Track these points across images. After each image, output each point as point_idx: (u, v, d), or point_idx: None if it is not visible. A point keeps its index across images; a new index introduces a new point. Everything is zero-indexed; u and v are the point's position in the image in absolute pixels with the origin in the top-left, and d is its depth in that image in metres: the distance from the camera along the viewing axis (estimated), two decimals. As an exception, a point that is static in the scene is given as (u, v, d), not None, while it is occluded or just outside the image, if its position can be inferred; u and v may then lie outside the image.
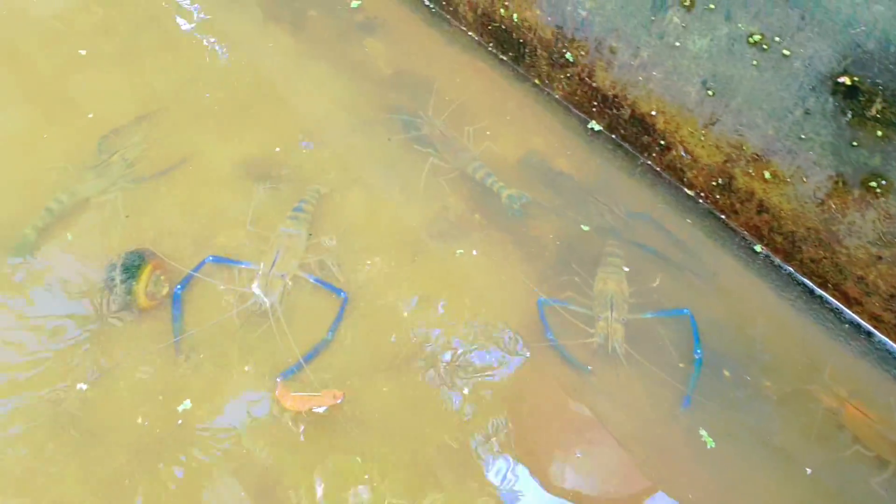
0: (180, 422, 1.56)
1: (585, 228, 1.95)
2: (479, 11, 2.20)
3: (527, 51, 2.15)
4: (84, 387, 1.60)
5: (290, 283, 1.77)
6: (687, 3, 1.61)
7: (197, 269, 1.77)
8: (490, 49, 2.28)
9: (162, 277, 1.79)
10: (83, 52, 2.27)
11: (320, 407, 1.58)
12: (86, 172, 1.96)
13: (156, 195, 1.95)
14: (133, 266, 1.77)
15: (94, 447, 1.51)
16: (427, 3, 2.41)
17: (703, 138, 1.80)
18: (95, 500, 1.46)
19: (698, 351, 1.70)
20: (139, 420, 1.55)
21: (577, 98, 2.10)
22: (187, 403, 1.58)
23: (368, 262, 1.86)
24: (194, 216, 1.92)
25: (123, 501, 1.45)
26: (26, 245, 1.81)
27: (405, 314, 1.77)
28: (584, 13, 1.86)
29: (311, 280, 1.81)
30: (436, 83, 2.26)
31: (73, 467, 1.49)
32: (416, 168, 2.05)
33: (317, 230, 1.90)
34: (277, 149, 2.07)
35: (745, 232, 1.87)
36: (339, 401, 1.57)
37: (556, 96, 2.17)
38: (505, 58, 2.26)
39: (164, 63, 2.28)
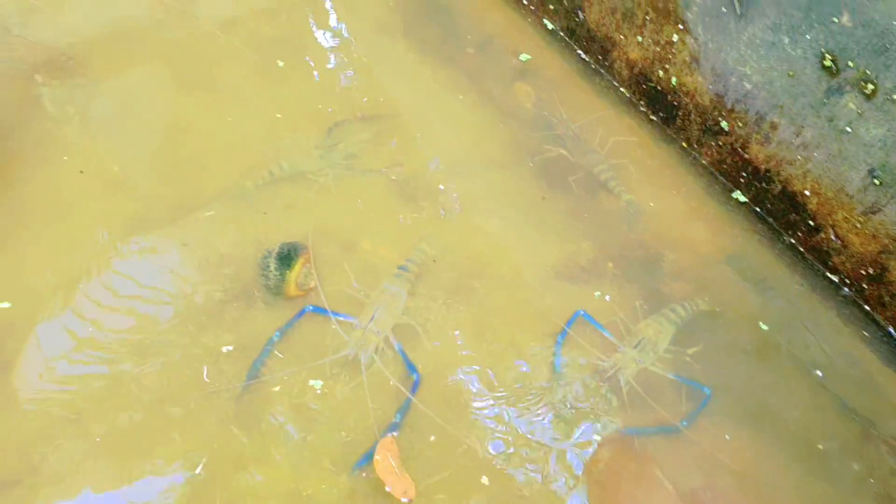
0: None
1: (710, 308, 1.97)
2: (636, 70, 2.28)
3: (679, 114, 2.20)
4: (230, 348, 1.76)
5: (381, 343, 1.78)
6: (868, 91, 1.63)
7: (297, 316, 1.82)
8: (641, 107, 2.35)
9: (312, 271, 1.94)
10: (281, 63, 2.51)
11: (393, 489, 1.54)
12: (312, 150, 2.21)
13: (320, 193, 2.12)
14: (288, 256, 1.92)
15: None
16: (583, 56, 2.51)
17: (859, 225, 1.78)
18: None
19: (685, 423, 1.71)
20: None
21: (724, 166, 2.12)
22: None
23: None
24: (345, 221, 2.07)
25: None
26: (245, 194, 2.09)
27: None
28: (748, 86, 1.90)
29: (396, 347, 1.80)
30: (581, 132, 2.35)
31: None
32: (545, 208, 2.13)
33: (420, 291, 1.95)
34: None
35: (892, 327, 1.82)
36: (405, 501, 1.53)
37: (703, 161, 2.21)
38: (654, 117, 2.32)
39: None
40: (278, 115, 2.29)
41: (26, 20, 2.60)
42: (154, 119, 2.27)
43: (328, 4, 2.74)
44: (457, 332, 1.84)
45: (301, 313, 1.83)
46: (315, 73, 2.48)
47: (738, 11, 1.84)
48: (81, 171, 2.11)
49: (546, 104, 2.43)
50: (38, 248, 1.93)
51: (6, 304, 1.76)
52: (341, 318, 1.83)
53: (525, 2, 2.69)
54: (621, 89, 2.40)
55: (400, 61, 2.55)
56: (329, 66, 2.51)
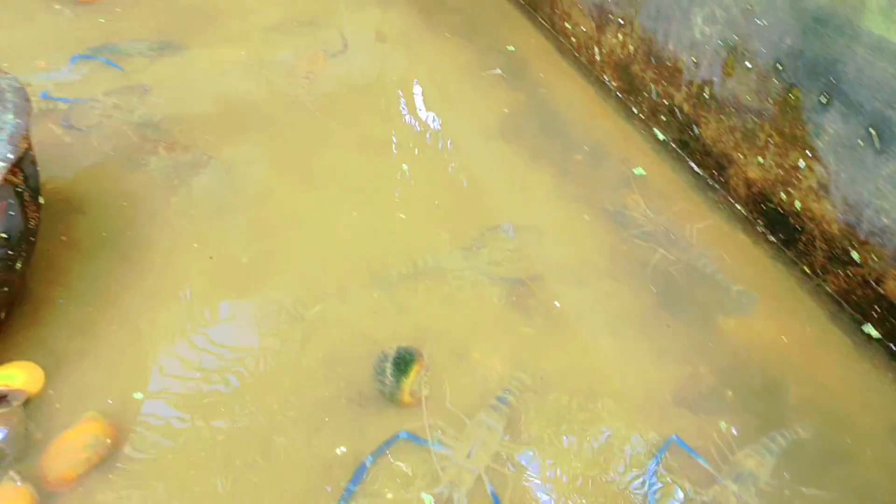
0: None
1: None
2: (755, 189, 2.26)
3: (802, 238, 2.15)
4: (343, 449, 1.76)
5: (474, 483, 1.71)
6: None
7: (390, 442, 1.79)
8: (758, 226, 2.31)
9: (424, 378, 1.95)
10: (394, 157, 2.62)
11: None
12: (457, 250, 2.28)
13: (428, 295, 2.16)
14: (405, 362, 1.94)
15: None
16: (696, 168, 2.51)
17: None
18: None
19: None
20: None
21: (853, 298, 2.04)
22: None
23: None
24: (458, 326, 2.09)
25: None
26: (387, 283, 2.16)
27: None
28: (887, 221, 1.84)
29: (489, 490, 1.72)
30: (689, 244, 2.32)
31: None
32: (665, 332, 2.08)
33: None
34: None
35: None
36: None
37: (828, 288, 2.13)
38: (773, 238, 2.27)
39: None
40: (402, 216, 2.37)
41: (142, 99, 2.85)
42: (269, 205, 2.40)
43: (436, 113, 2.87)
44: (559, 472, 1.79)
45: (394, 439, 1.81)
46: (426, 171, 2.58)
47: (878, 146, 1.81)
48: (211, 257, 2.24)
49: (658, 215, 2.43)
50: (161, 333, 2.03)
51: (139, 395, 1.84)
52: (436, 449, 1.77)
53: (635, 111, 2.74)
54: (737, 206, 2.38)
55: (509, 166, 2.62)
56: (439, 166, 2.61)
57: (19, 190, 1.82)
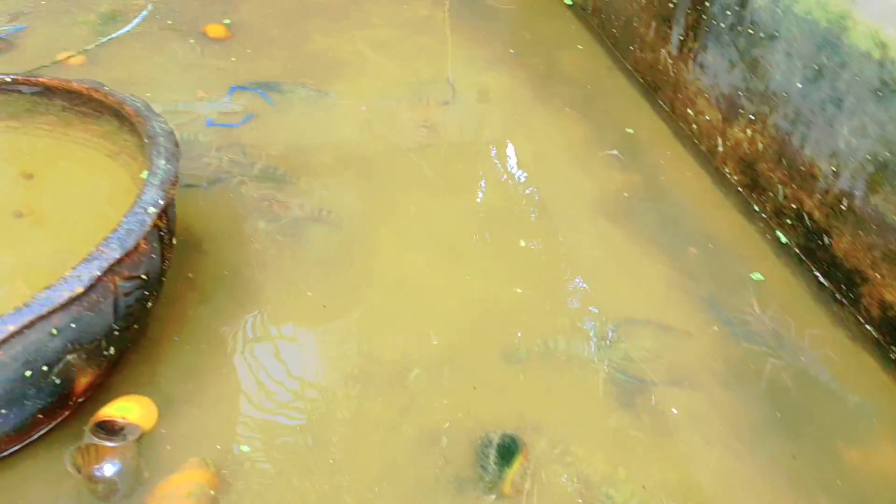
0: None
1: None
2: (892, 314, 2.13)
3: (944, 374, 2.00)
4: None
5: None
6: None
7: None
8: (891, 354, 2.17)
9: (528, 470, 1.89)
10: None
11: None
12: (592, 339, 2.23)
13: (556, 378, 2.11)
14: (509, 451, 1.89)
15: None
16: (821, 279, 2.39)
17: None
18: None
19: None
20: None
21: None
22: None
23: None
24: (558, 415, 2.02)
25: None
26: (518, 357, 2.14)
27: None
28: None
29: None
30: (809, 358, 2.20)
31: None
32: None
33: None
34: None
35: None
36: None
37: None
38: (906, 365, 2.13)
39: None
40: (518, 290, 2.35)
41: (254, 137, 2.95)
42: (378, 261, 2.42)
43: (547, 186, 2.86)
44: None
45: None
46: (539, 246, 2.56)
47: None
48: (324, 306, 2.27)
49: (775, 323, 2.32)
50: (267, 380, 2.06)
51: (245, 448, 1.86)
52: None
53: (756, 209, 2.65)
54: (867, 326, 2.24)
55: (622, 251, 2.56)
56: (551, 243, 2.58)
57: (162, 234, 1.90)
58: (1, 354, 1.48)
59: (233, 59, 3.59)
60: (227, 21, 3.83)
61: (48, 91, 2.34)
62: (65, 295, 1.55)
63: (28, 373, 1.55)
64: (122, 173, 2.24)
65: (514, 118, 3.24)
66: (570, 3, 4.13)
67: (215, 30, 3.79)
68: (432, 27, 4.01)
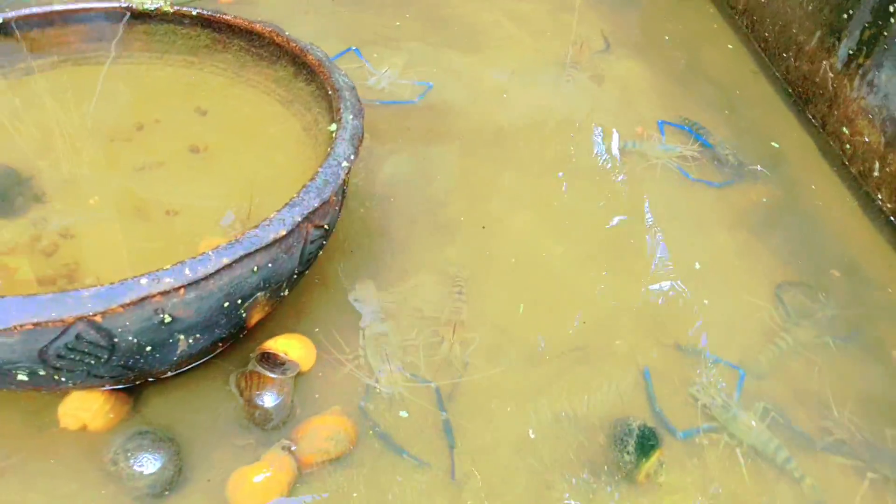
0: None
1: None
2: None
3: None
4: None
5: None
6: None
7: None
8: None
9: (664, 465, 1.93)
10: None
11: None
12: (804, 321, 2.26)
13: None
14: (649, 443, 1.93)
15: None
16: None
17: None
18: None
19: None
20: None
21: None
22: None
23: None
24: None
25: None
26: (759, 369, 2.12)
27: None
28: None
29: None
30: None
31: None
32: None
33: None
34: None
35: None
36: None
37: None
38: None
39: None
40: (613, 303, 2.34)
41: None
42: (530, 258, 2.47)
43: (685, 195, 2.83)
44: None
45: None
46: (676, 251, 2.55)
47: None
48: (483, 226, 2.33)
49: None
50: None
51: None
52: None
53: (904, 238, 2.58)
54: None
55: (763, 264, 2.53)
56: (687, 251, 2.56)
57: (344, 187, 1.98)
58: (212, 285, 1.59)
59: (372, 13, 3.64)
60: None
61: (229, 29, 2.43)
62: (270, 236, 1.65)
63: (226, 304, 1.66)
64: (293, 122, 2.31)
65: (649, 114, 3.19)
66: (716, -2, 3.99)
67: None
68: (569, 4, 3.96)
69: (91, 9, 2.44)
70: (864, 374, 2.19)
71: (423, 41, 3.51)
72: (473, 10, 3.80)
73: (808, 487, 1.88)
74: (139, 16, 2.45)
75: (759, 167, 2.85)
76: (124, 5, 2.44)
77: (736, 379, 2.10)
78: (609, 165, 2.87)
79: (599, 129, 3.06)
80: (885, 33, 2.60)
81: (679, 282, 2.42)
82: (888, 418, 2.07)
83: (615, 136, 3.02)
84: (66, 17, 2.43)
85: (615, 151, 2.94)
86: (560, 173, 2.81)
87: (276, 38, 2.35)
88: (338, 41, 3.40)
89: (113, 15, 2.45)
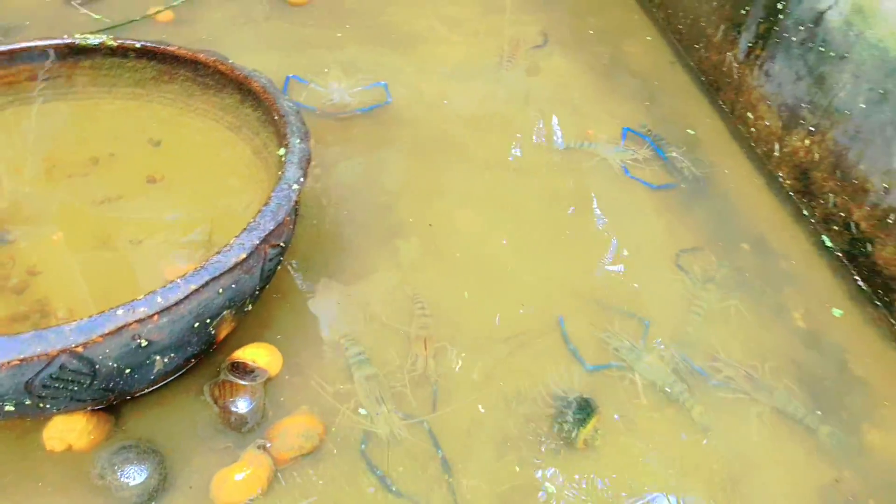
0: None
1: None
2: (923, 320, 2.40)
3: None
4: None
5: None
6: None
7: None
8: (917, 353, 2.45)
9: (599, 431, 2.19)
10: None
11: None
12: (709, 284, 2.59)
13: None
14: (587, 411, 2.19)
15: None
16: (860, 282, 2.65)
17: None
18: None
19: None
20: None
21: None
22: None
23: None
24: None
25: None
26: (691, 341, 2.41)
27: None
28: None
29: None
30: (841, 359, 2.46)
31: None
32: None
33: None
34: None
35: None
36: None
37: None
38: (931, 367, 2.41)
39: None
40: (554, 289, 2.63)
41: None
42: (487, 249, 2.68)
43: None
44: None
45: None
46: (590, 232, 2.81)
47: None
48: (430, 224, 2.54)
49: (814, 322, 2.59)
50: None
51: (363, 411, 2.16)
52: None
53: (805, 213, 2.87)
54: (901, 331, 2.53)
55: (677, 240, 2.82)
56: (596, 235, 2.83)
57: (296, 206, 2.15)
58: (183, 309, 1.76)
59: (311, 25, 3.77)
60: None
61: (174, 60, 2.55)
62: (232, 260, 1.82)
63: (197, 324, 1.83)
64: (243, 147, 2.47)
65: (581, 108, 3.43)
66: (635, -10, 4.25)
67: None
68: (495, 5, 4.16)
69: (35, 47, 2.53)
70: (769, 331, 2.52)
71: (364, 49, 3.67)
72: (408, 17, 3.98)
73: (697, 414, 2.23)
74: (84, 51, 2.56)
75: (676, 154, 3.14)
76: (68, 41, 2.54)
77: (643, 329, 2.46)
78: (548, 161, 3.12)
79: (541, 122, 3.31)
80: (776, 28, 2.90)
81: (613, 266, 2.70)
82: (787, 372, 2.39)
83: (557, 132, 3.28)
84: (11, 57, 2.52)
85: (557, 146, 3.19)
86: (502, 169, 3.05)
87: (220, 66, 2.49)
88: (280, 55, 3.54)
89: (58, 52, 2.55)
